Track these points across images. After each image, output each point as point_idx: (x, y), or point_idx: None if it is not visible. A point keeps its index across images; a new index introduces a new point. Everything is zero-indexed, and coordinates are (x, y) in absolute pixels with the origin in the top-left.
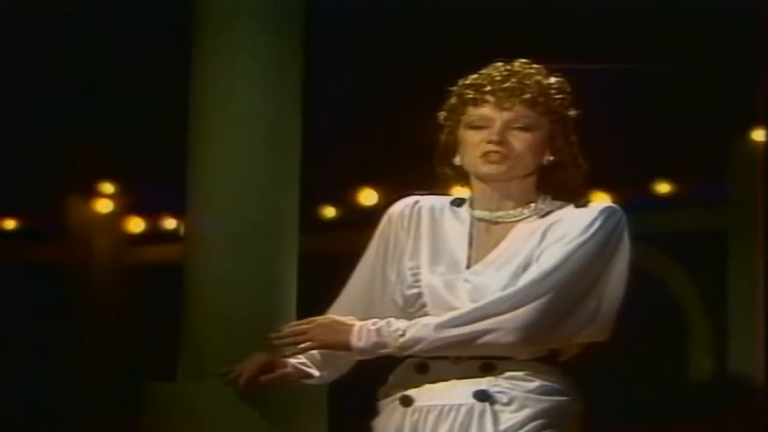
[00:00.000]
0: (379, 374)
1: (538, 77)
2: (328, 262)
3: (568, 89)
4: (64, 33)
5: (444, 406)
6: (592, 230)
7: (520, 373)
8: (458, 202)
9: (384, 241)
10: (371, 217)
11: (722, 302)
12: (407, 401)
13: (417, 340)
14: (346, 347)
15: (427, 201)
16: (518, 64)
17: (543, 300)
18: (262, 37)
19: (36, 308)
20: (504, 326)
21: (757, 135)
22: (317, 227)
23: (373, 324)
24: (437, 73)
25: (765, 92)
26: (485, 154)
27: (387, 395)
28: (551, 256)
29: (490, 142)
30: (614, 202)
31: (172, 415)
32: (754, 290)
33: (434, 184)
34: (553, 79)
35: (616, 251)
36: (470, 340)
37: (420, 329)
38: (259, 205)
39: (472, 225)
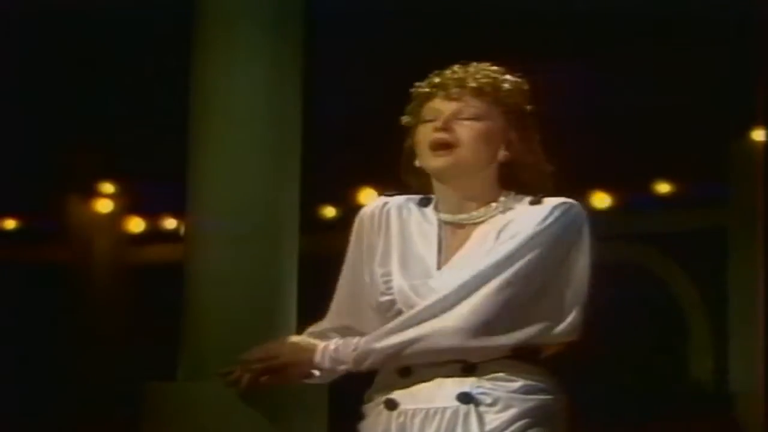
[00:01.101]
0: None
1: (491, 72)
2: (329, 262)
3: (525, 86)
4: (64, 32)
5: (429, 408)
6: (542, 226)
7: (502, 374)
8: (425, 202)
9: (358, 244)
10: None
11: (722, 302)
12: (392, 405)
13: (367, 353)
14: (311, 365)
15: (395, 201)
16: (476, 64)
17: (477, 298)
18: (262, 37)
19: (36, 308)
20: (439, 329)
21: (757, 135)
22: (318, 227)
23: (335, 343)
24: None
25: (765, 92)
26: (432, 145)
27: (371, 399)
28: (496, 253)
29: (436, 130)
30: (614, 202)
31: (171, 415)
32: (753, 290)
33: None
34: (508, 76)
35: (574, 247)
36: (409, 346)
37: (367, 341)
38: (259, 205)
39: (440, 227)
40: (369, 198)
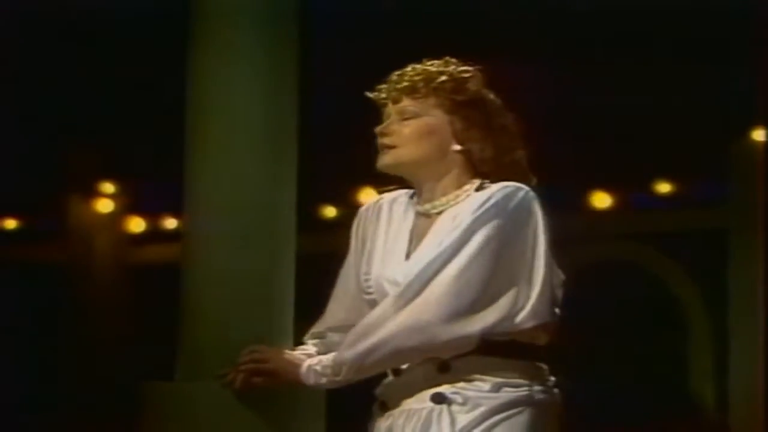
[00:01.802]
0: (380, 374)
1: (429, 67)
2: (328, 261)
3: (467, 74)
4: (63, 33)
5: (410, 409)
6: (479, 212)
7: (476, 373)
8: (414, 194)
9: (354, 241)
10: None
11: (722, 302)
12: (383, 406)
13: (340, 364)
14: (297, 380)
15: (389, 197)
16: (426, 62)
17: (429, 291)
18: (259, 37)
19: (36, 308)
20: (402, 327)
21: (757, 135)
22: (317, 227)
23: (318, 359)
24: None
25: (765, 92)
26: (378, 148)
27: (376, 399)
28: (440, 245)
29: (378, 135)
30: (614, 201)
31: (170, 415)
32: (754, 290)
33: None
34: (450, 67)
35: (525, 229)
36: (377, 350)
37: (340, 351)
38: (256, 205)
39: (415, 218)
40: (369, 197)
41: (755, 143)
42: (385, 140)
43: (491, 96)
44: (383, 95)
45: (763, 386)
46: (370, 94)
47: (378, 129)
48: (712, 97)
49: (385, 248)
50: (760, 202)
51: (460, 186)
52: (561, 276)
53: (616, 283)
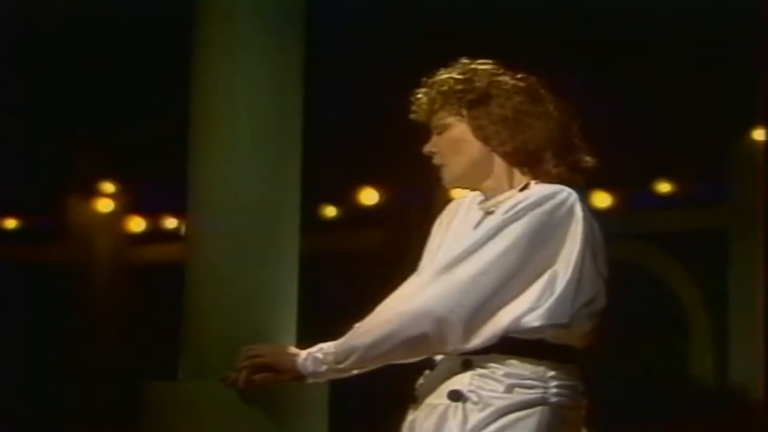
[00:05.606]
0: (380, 375)
1: (440, 77)
2: (330, 261)
3: (469, 75)
4: (64, 31)
5: (431, 405)
6: (508, 214)
7: (494, 371)
8: None
9: (434, 233)
10: (372, 216)
11: (723, 301)
12: (413, 399)
13: (348, 351)
14: (294, 369)
15: (472, 195)
16: (440, 71)
17: (439, 283)
18: (263, 36)
19: (36, 308)
20: (407, 317)
21: (757, 135)
22: (318, 226)
23: (319, 346)
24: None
25: (765, 92)
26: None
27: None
28: (466, 241)
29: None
30: (615, 201)
31: (172, 415)
32: (754, 289)
33: (434, 184)
34: (457, 70)
35: (557, 231)
36: (387, 340)
37: (347, 339)
38: (260, 205)
39: (483, 216)
40: (369, 198)
41: (755, 143)
42: (434, 160)
43: (506, 86)
44: (416, 117)
45: (763, 386)
46: (411, 116)
47: (424, 150)
48: (712, 97)
49: (451, 244)
50: (760, 202)
51: (514, 183)
52: (600, 282)
53: (617, 282)
